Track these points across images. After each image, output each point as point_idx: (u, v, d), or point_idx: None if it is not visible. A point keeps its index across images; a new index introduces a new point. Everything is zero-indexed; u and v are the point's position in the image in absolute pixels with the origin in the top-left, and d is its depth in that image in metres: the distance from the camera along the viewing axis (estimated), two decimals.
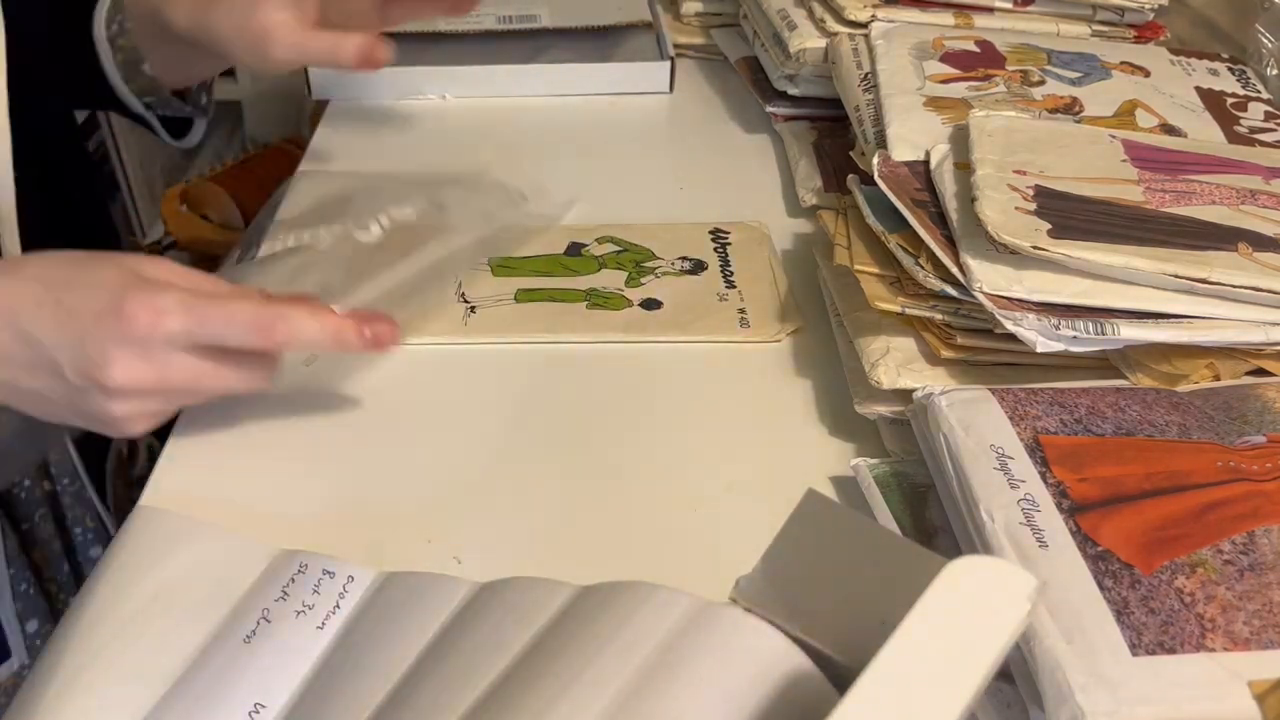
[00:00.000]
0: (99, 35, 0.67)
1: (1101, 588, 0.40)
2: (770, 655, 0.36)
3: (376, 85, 0.87)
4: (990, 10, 0.79)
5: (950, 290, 0.53)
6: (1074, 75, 0.72)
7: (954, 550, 0.45)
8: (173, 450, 0.55)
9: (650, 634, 0.39)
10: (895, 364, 0.54)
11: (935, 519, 0.48)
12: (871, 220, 0.58)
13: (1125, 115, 0.68)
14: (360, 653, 0.42)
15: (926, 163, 0.61)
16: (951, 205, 0.56)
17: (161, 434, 0.59)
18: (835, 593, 0.36)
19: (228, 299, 0.48)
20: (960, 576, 0.30)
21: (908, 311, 0.54)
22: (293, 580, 0.46)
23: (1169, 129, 0.67)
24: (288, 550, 0.47)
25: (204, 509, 0.50)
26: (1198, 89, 0.72)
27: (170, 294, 0.46)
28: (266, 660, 0.43)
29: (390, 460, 0.55)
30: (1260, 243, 0.54)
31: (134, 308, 0.45)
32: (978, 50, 0.75)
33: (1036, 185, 0.56)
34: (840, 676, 0.35)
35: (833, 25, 0.78)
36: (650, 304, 0.65)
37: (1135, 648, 0.38)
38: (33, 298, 0.47)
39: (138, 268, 0.49)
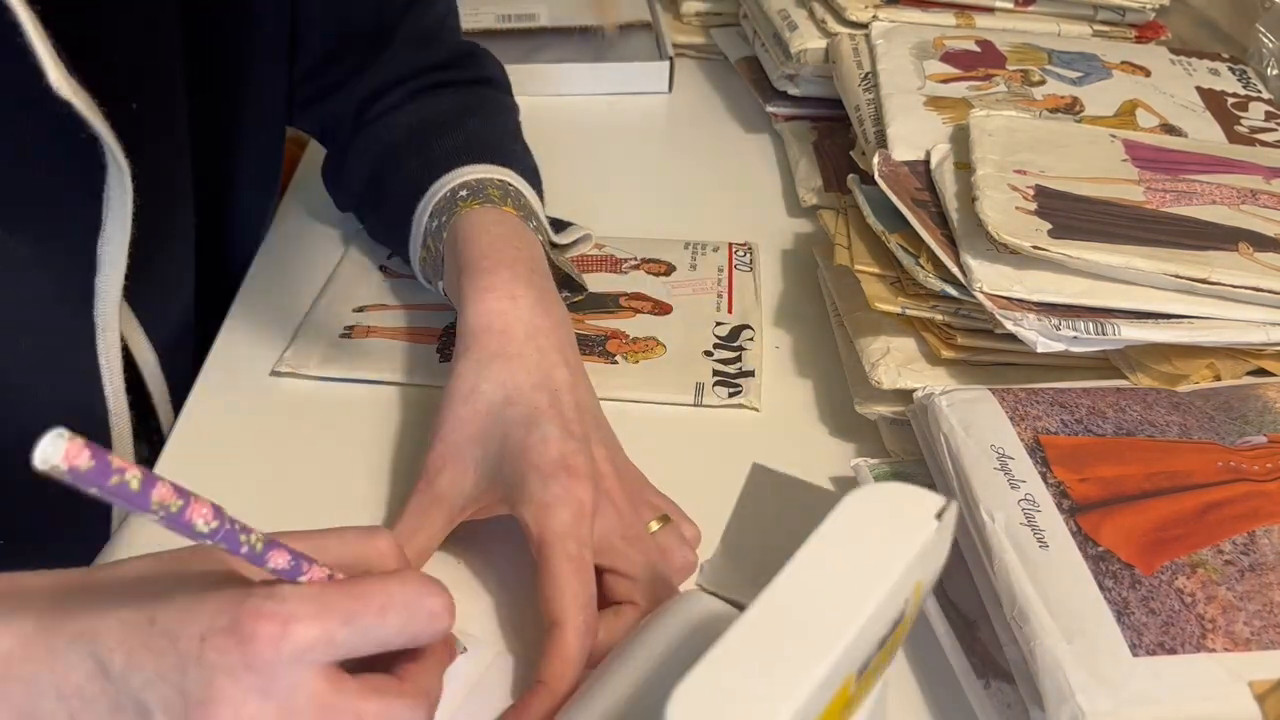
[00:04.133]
0: (418, 217, 0.59)
1: (1102, 588, 0.39)
2: (697, 610, 0.37)
3: None
4: (991, 10, 0.79)
5: (950, 290, 0.53)
6: (1075, 75, 0.72)
7: (954, 550, 0.45)
8: (170, 454, 0.55)
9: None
10: (895, 364, 0.54)
11: None
12: (872, 220, 0.58)
13: (1126, 115, 0.68)
14: None
15: (927, 162, 0.61)
16: (952, 205, 0.56)
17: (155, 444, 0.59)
18: (783, 556, 0.37)
19: (377, 582, 0.36)
20: (864, 500, 0.30)
21: (908, 312, 0.54)
22: None
23: (1169, 129, 0.67)
24: None
25: None
26: (1198, 89, 0.72)
27: (298, 593, 0.34)
28: None
29: (392, 461, 0.54)
30: (1261, 243, 0.54)
31: (252, 621, 0.33)
32: (978, 50, 0.75)
33: (1037, 185, 0.56)
34: None
35: (834, 26, 0.78)
36: None
37: (1136, 648, 0.38)
38: (118, 619, 0.34)
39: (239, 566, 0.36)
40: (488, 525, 0.47)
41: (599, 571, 0.44)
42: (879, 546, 0.29)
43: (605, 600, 0.44)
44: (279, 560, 0.34)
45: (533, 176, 0.62)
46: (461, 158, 0.59)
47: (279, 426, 0.56)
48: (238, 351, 0.61)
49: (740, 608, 0.37)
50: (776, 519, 0.36)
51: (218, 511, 0.32)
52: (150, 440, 0.60)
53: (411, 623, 0.36)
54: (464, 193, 0.57)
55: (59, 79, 0.43)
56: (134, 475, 0.28)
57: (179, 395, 0.59)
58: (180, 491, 0.30)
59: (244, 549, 0.33)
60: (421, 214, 0.58)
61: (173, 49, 0.55)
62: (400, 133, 0.63)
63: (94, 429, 0.55)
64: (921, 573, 0.30)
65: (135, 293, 0.55)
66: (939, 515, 0.30)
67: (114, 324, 0.53)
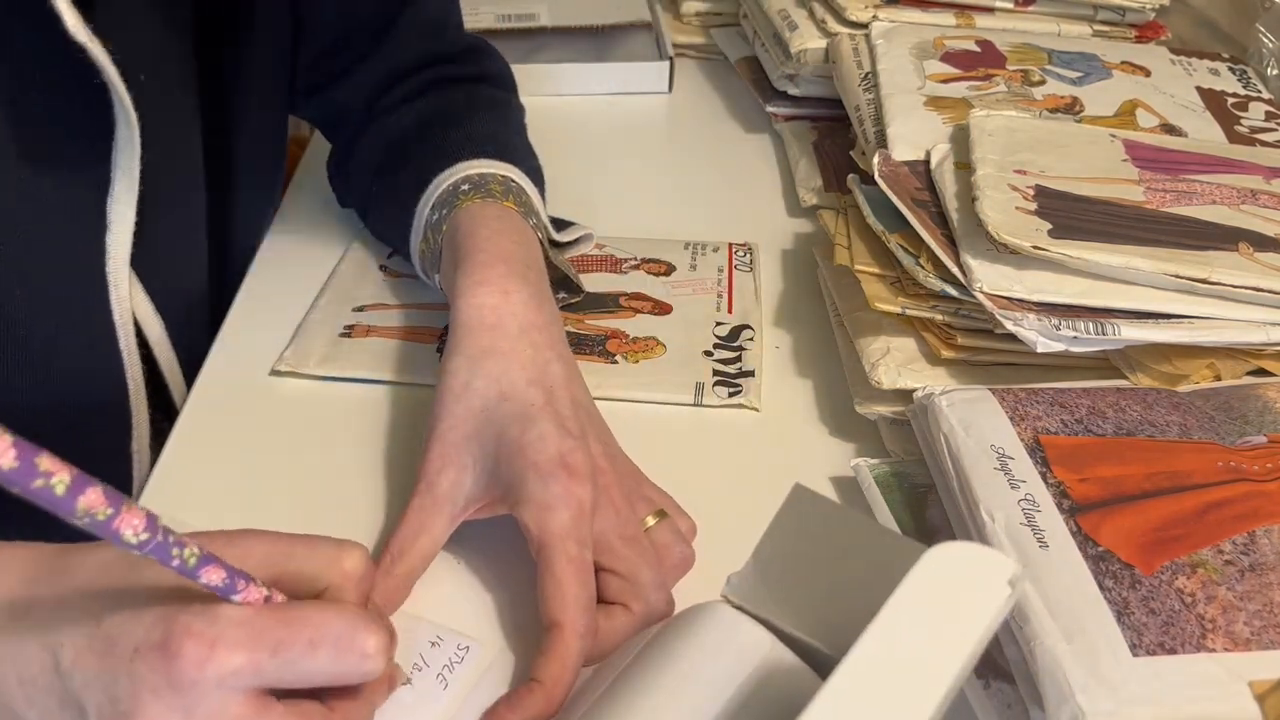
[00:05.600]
0: (420, 209, 0.59)
1: (1102, 588, 0.39)
2: (746, 645, 0.36)
3: None
4: (991, 10, 0.79)
5: (950, 290, 0.53)
6: (1075, 75, 0.72)
7: None
8: (170, 454, 0.55)
9: (634, 642, 0.39)
10: (895, 364, 0.54)
11: (935, 519, 0.48)
12: (872, 220, 0.58)
13: (1126, 115, 0.68)
14: None
15: (927, 162, 0.61)
16: (952, 205, 0.56)
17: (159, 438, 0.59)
18: (824, 586, 0.36)
19: (314, 613, 0.35)
20: (940, 562, 0.30)
21: (908, 312, 0.54)
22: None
23: (1170, 129, 0.67)
24: None
25: (200, 512, 0.50)
26: (1198, 89, 0.72)
27: (230, 616, 0.34)
28: None
29: (390, 460, 0.54)
30: (1261, 243, 0.54)
31: (180, 640, 0.33)
32: (978, 50, 0.74)
33: (1037, 185, 0.56)
34: (830, 669, 0.35)
35: (834, 26, 0.78)
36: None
37: (1136, 648, 0.38)
38: (73, 616, 0.35)
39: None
40: (488, 524, 0.47)
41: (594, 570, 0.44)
42: (956, 616, 0.30)
43: (598, 598, 0.44)
44: (213, 577, 0.33)
45: (536, 176, 0.62)
46: (466, 152, 0.59)
47: (279, 426, 0.56)
48: (238, 351, 0.61)
49: (770, 627, 0.37)
50: (814, 544, 0.36)
51: (151, 522, 0.30)
52: (168, 412, 0.60)
53: (341, 661, 0.35)
54: (466, 187, 0.57)
55: (75, 24, 0.45)
56: (61, 479, 0.27)
57: (193, 377, 0.60)
58: (112, 499, 0.29)
59: (175, 562, 0.32)
60: (424, 206, 0.58)
61: (183, 24, 0.56)
62: (408, 125, 0.63)
63: (110, 384, 0.56)
64: (988, 639, 0.30)
65: (145, 264, 0.55)
66: (1011, 583, 0.30)
67: (124, 280, 0.54)
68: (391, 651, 0.37)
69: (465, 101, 0.65)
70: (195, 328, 0.63)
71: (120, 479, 0.55)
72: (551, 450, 0.44)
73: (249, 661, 0.33)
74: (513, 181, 0.58)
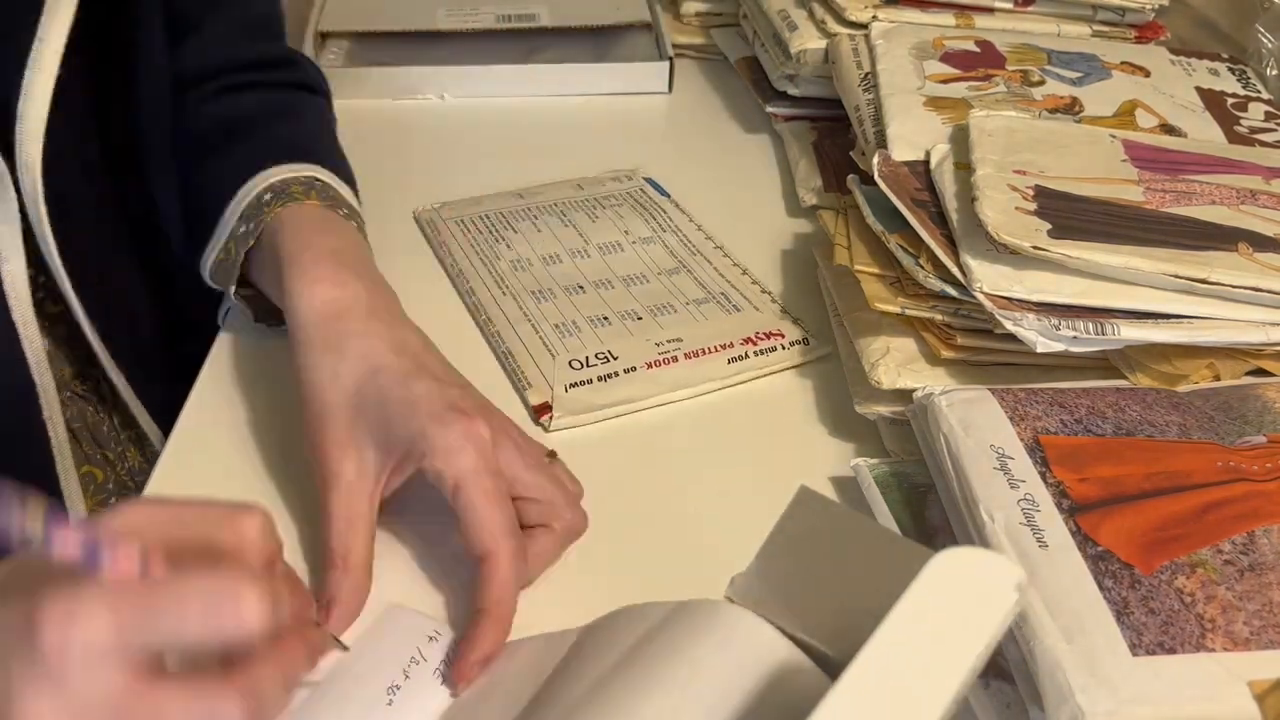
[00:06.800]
0: (225, 220, 0.58)
1: (1102, 588, 0.40)
2: (759, 646, 0.36)
3: (375, 85, 0.87)
4: (991, 10, 0.79)
5: (950, 290, 0.53)
6: (1074, 75, 0.72)
7: None
8: (174, 448, 0.55)
9: (629, 636, 0.39)
10: (895, 364, 0.54)
11: (935, 519, 0.48)
12: (871, 220, 0.58)
13: (1125, 115, 0.68)
14: None
15: (926, 163, 0.61)
16: (951, 205, 0.56)
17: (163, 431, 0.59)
18: (829, 588, 0.36)
19: (189, 575, 0.34)
20: (947, 568, 0.31)
21: (908, 312, 0.54)
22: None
23: (1169, 129, 0.67)
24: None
25: None
26: (1198, 89, 0.72)
27: (94, 587, 0.32)
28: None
29: None
30: (1260, 243, 0.54)
31: (40, 612, 0.32)
32: (978, 50, 0.75)
33: (1037, 185, 0.56)
34: (835, 672, 0.35)
35: (833, 26, 0.78)
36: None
37: (1135, 648, 0.38)
38: None
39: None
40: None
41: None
42: (963, 621, 0.30)
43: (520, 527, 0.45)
44: (68, 546, 0.31)
45: (342, 171, 0.62)
46: (265, 160, 0.59)
47: (278, 424, 0.56)
48: (239, 348, 0.61)
49: (774, 628, 0.37)
50: (819, 546, 0.36)
51: None
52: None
53: (214, 617, 0.33)
54: (268, 196, 0.57)
55: None
56: None
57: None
58: None
59: (16, 531, 0.30)
60: (230, 217, 0.58)
61: None
62: (205, 126, 0.64)
63: (8, 358, 0.55)
64: (995, 644, 0.31)
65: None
66: (1018, 589, 0.30)
67: (17, 252, 0.53)
68: (279, 610, 0.34)
69: (265, 106, 0.65)
70: (115, 290, 0.62)
71: (40, 453, 0.55)
72: (440, 400, 0.45)
73: (112, 624, 0.32)
74: (317, 180, 0.59)
